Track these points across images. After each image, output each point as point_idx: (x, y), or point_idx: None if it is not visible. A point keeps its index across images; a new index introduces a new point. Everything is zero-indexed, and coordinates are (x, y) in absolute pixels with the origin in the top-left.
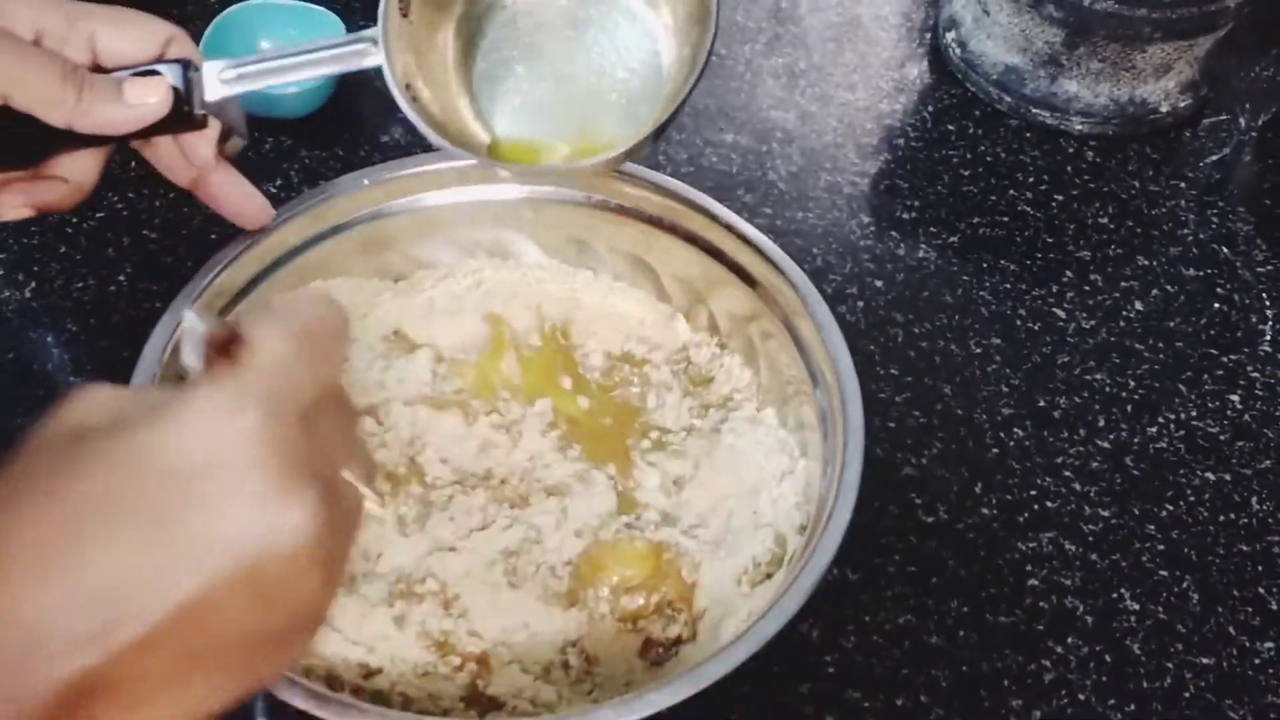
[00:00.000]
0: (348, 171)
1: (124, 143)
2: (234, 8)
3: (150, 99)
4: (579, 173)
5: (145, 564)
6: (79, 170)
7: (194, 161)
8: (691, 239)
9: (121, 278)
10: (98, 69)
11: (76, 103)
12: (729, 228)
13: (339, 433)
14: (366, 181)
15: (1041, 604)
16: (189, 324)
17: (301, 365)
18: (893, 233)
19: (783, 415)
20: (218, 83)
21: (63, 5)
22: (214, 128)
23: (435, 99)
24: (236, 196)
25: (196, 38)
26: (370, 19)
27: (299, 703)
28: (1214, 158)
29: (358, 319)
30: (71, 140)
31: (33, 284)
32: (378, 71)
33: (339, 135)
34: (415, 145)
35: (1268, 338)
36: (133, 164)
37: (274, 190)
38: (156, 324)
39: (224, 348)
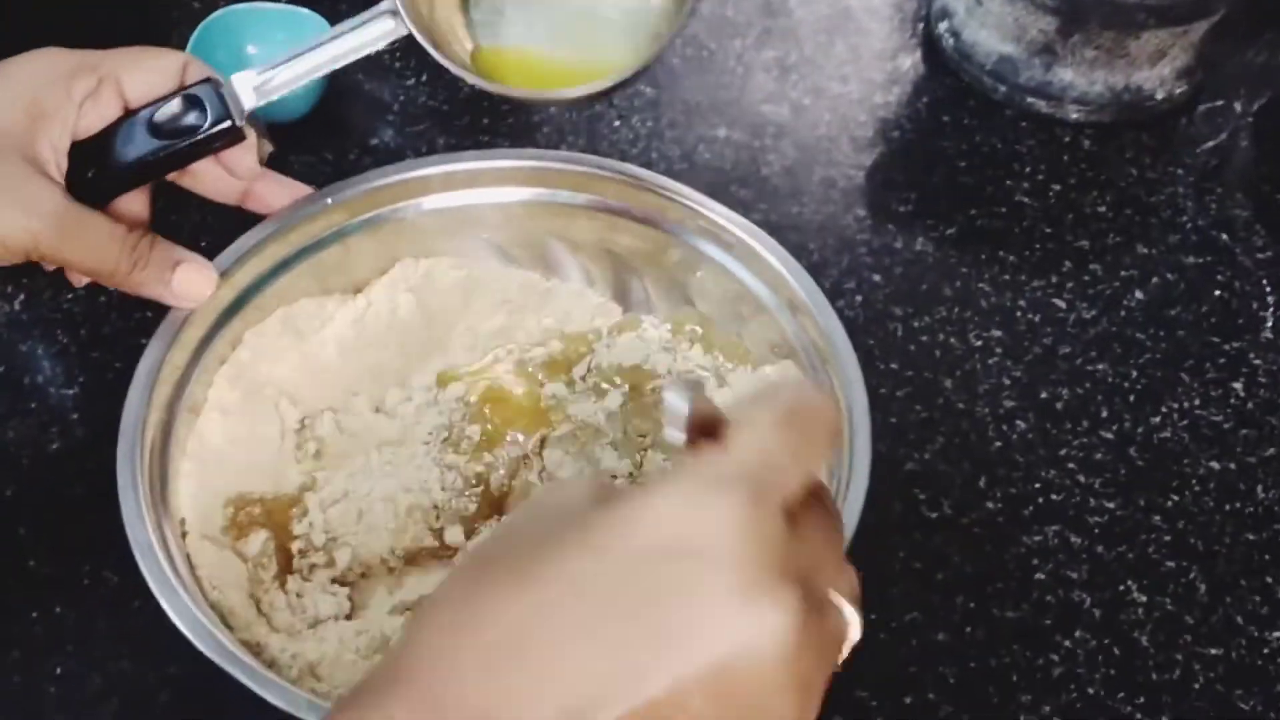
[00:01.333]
0: (337, 176)
1: (160, 178)
2: (218, 13)
3: (194, 290)
4: (585, 98)
5: (617, 657)
6: (134, 210)
7: (241, 174)
8: (679, 237)
9: (112, 289)
10: (129, 112)
11: (127, 276)
12: (720, 224)
13: (824, 541)
14: (329, 201)
15: (1048, 598)
16: (672, 399)
17: (789, 455)
18: (889, 226)
19: None
20: (252, 92)
21: (87, 64)
22: (252, 136)
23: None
24: (288, 195)
25: (181, 44)
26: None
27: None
28: (1211, 144)
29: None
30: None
31: (22, 296)
32: (369, 71)
33: (328, 140)
34: (405, 148)
35: (1269, 324)
36: None
37: None
38: (152, 335)
39: (708, 429)
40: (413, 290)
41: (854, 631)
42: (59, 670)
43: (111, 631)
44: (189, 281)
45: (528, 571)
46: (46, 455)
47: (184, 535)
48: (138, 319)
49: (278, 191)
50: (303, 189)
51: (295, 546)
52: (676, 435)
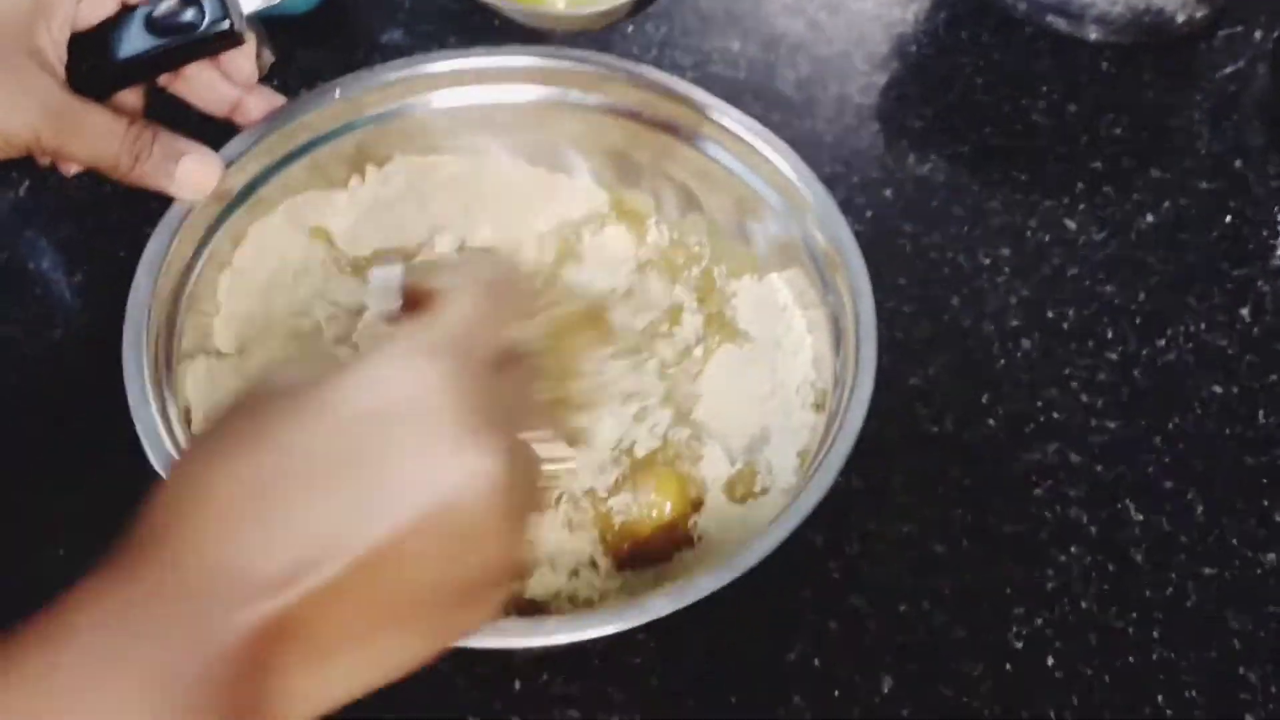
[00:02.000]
0: (346, 71)
1: (153, 81)
2: None
3: (198, 181)
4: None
5: (341, 509)
6: (128, 106)
7: (238, 80)
8: (691, 142)
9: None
10: (127, 8)
11: (130, 169)
12: (740, 136)
13: (522, 391)
14: (337, 94)
15: (1046, 514)
16: (381, 274)
17: (488, 320)
18: (902, 142)
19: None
20: None
21: None
22: (252, 41)
23: None
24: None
25: None
26: None
27: None
28: (1229, 70)
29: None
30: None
31: (26, 183)
32: None
33: (336, 36)
34: (415, 47)
35: (1279, 252)
36: None
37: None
38: (155, 224)
39: (411, 301)
40: (412, 179)
41: (568, 461)
42: (63, 554)
43: (116, 515)
44: (193, 172)
45: (258, 439)
46: (50, 343)
47: (189, 423)
48: (142, 208)
49: (267, 109)
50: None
51: None
52: (390, 307)
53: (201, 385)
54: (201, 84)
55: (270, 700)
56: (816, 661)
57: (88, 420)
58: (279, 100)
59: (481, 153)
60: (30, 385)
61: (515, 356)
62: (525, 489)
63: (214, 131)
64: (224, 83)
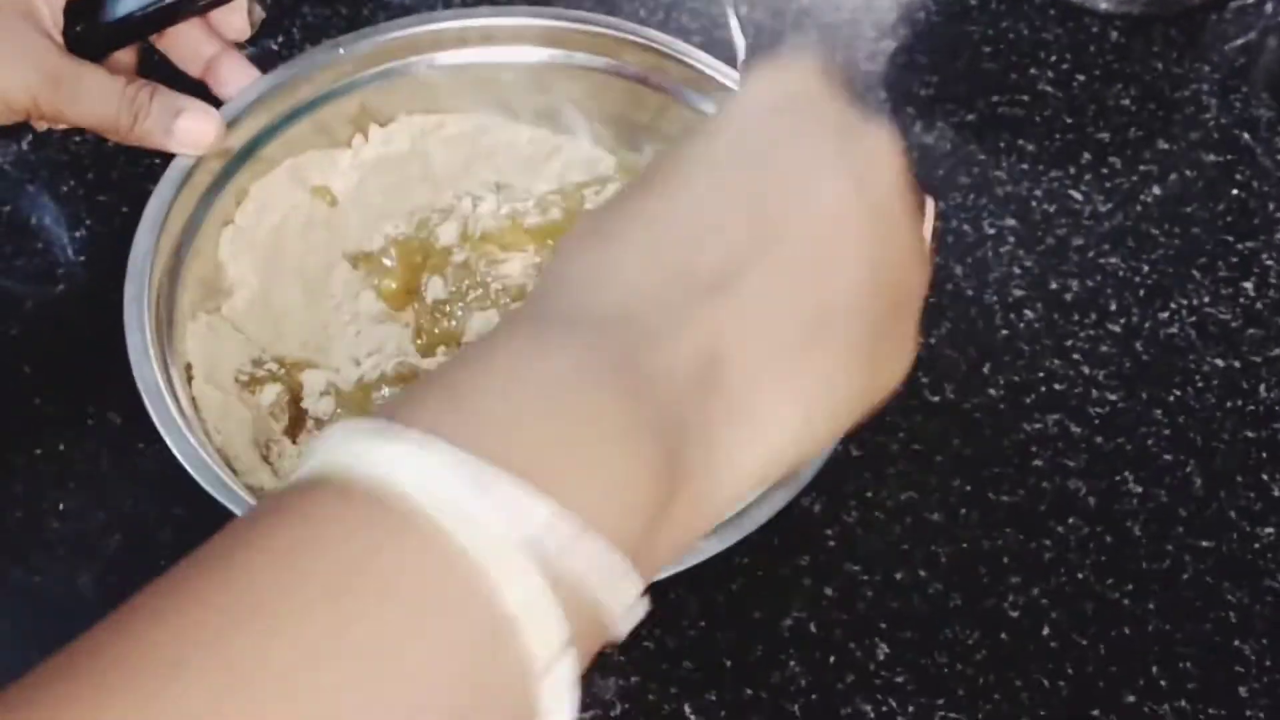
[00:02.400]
0: (351, 28)
1: (151, 34)
2: None
3: (198, 137)
4: None
5: (743, 207)
6: (122, 65)
7: (230, 35)
8: (694, 106)
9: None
10: None
11: (130, 130)
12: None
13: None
14: (341, 51)
15: (1044, 484)
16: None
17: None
18: (909, 110)
19: None
20: None
21: None
22: None
23: None
24: (245, 79)
25: None
26: None
27: None
28: (1239, 42)
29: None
30: None
31: (29, 136)
32: None
33: None
34: (420, 4)
35: None
36: None
37: (275, 47)
38: (158, 181)
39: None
40: (415, 139)
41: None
42: (62, 506)
43: (115, 470)
44: (192, 128)
45: (666, 181)
46: (52, 296)
47: (189, 380)
48: (145, 164)
49: (238, 74)
50: (256, 74)
51: (307, 405)
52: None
53: (202, 342)
54: (181, 42)
55: (710, 456)
56: (812, 627)
57: (89, 375)
58: (254, 72)
59: (484, 113)
60: (32, 339)
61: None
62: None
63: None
64: (206, 41)
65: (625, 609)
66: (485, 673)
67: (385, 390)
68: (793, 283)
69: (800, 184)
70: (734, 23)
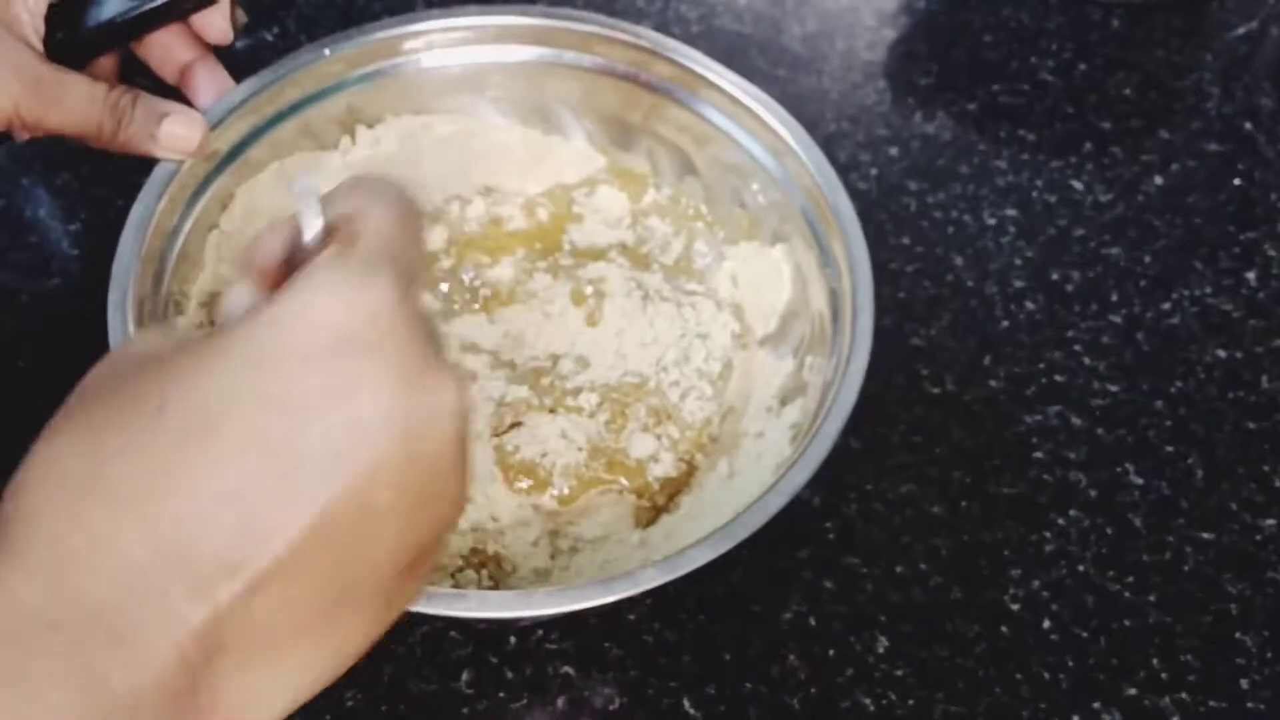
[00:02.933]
0: (347, 20)
1: (132, 41)
2: None
3: (182, 142)
4: None
5: (281, 468)
6: (103, 74)
7: (213, 38)
8: (686, 104)
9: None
10: None
11: (113, 137)
12: (736, 98)
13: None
14: (327, 52)
15: (1045, 476)
16: (303, 189)
17: (410, 241)
18: (909, 99)
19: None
20: None
21: None
22: (225, 1)
23: None
24: (216, 91)
25: None
26: None
27: None
28: (1241, 30)
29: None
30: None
31: None
32: None
33: None
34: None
35: None
36: None
37: (271, 39)
38: (151, 172)
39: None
40: (404, 140)
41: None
42: None
43: None
44: (177, 134)
45: (157, 406)
46: (46, 290)
47: None
48: (141, 157)
49: (213, 82)
50: (231, 84)
51: None
52: (313, 228)
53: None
54: (158, 47)
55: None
56: (812, 621)
57: (83, 369)
58: (228, 81)
59: (474, 113)
60: (27, 331)
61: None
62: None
63: None
64: (184, 48)
65: None
66: None
67: None
68: (314, 565)
69: (345, 448)
70: (301, 194)
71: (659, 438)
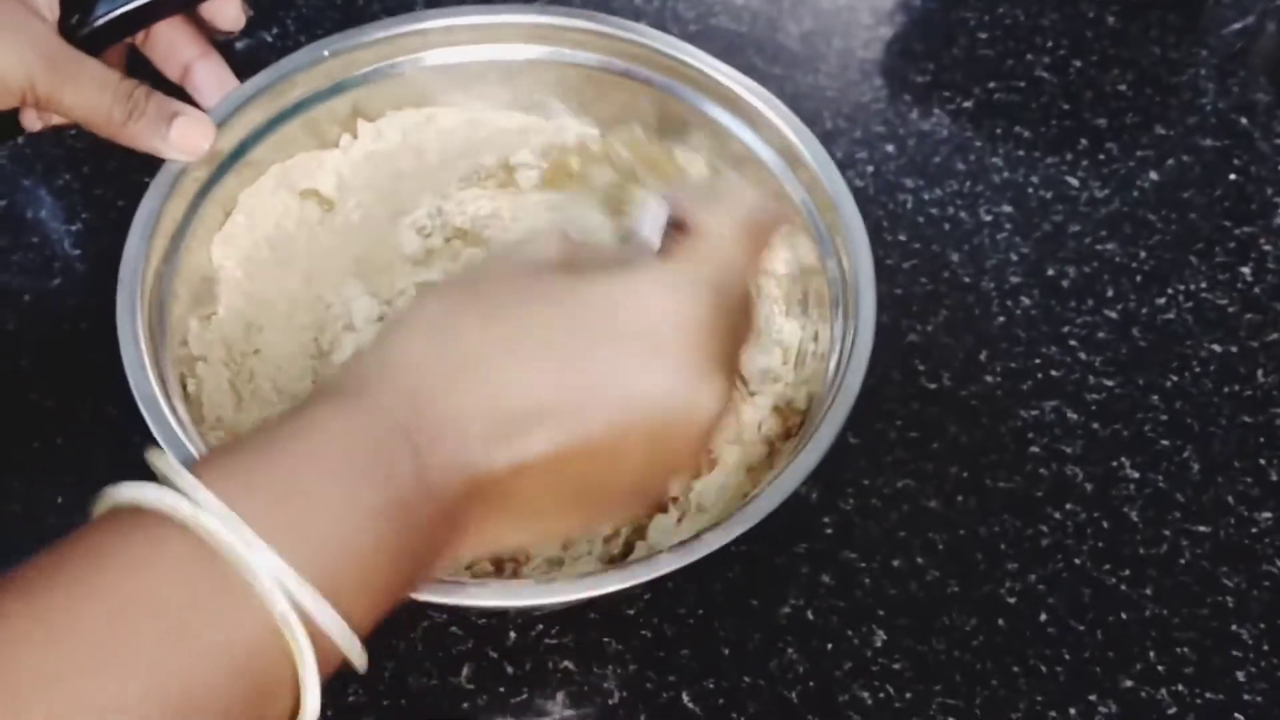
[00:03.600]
0: (346, 20)
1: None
2: None
3: (192, 143)
4: None
5: (580, 392)
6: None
7: (222, 25)
8: (687, 101)
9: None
10: None
11: (123, 126)
12: (736, 93)
13: (741, 333)
14: (326, 53)
15: (1041, 471)
16: (653, 205)
17: (743, 260)
18: (905, 97)
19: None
20: None
21: None
22: None
23: None
24: (218, 90)
25: None
26: None
27: None
28: (1237, 26)
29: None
30: None
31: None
32: None
33: None
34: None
35: None
36: None
37: (270, 39)
38: (154, 174)
39: (676, 226)
40: (407, 133)
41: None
42: (60, 500)
43: (112, 464)
44: (187, 134)
45: (498, 310)
46: (48, 290)
47: (184, 386)
48: (141, 158)
49: (216, 80)
50: (234, 83)
51: None
52: (653, 234)
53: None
54: (163, 44)
55: (456, 539)
56: (810, 615)
57: (85, 369)
58: (232, 80)
59: (475, 106)
60: (29, 331)
61: (751, 299)
62: (721, 428)
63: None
64: (188, 44)
65: (348, 648)
66: (257, 664)
67: None
68: (570, 463)
69: (620, 400)
70: (646, 213)
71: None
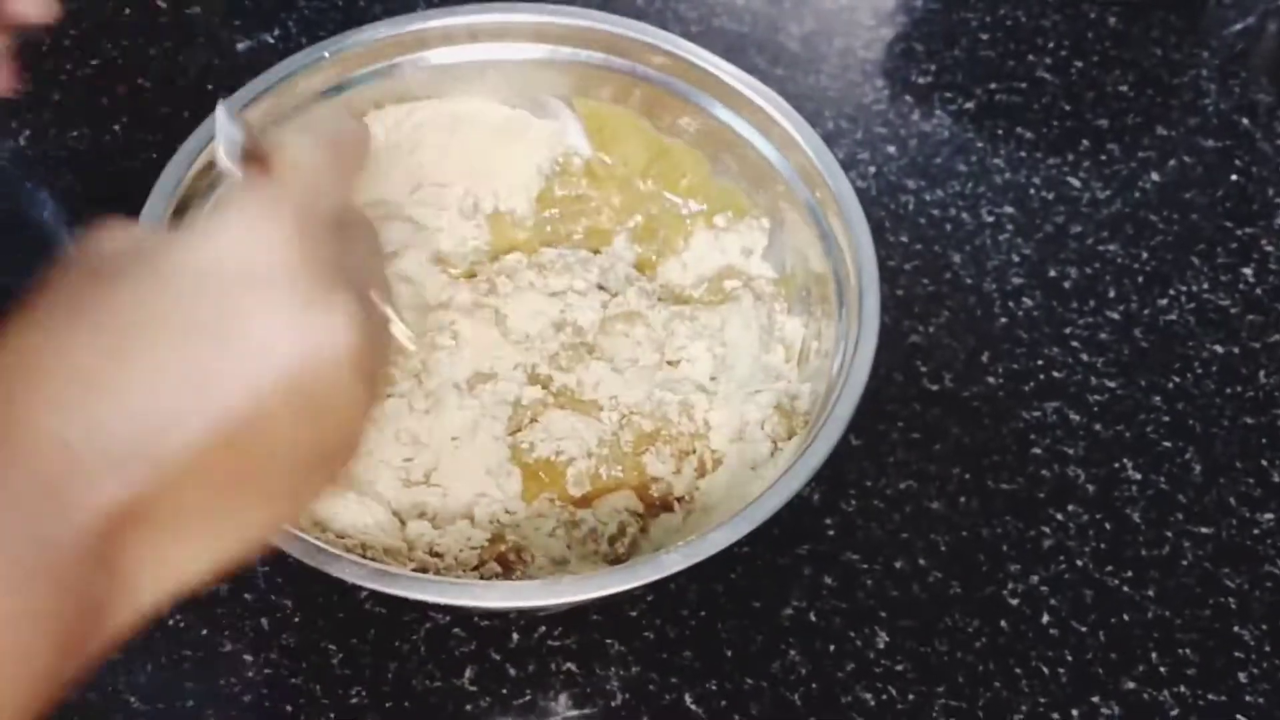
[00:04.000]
0: (348, 23)
1: None
2: None
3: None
4: None
5: (189, 378)
6: None
7: (32, 16)
8: (689, 99)
9: (117, 127)
10: None
11: None
12: (739, 92)
13: (364, 251)
14: (328, 55)
15: (1043, 472)
16: (223, 125)
17: (331, 175)
18: (907, 98)
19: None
20: None
21: None
22: None
23: None
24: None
25: None
26: None
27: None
28: (1238, 27)
29: None
30: None
31: (27, 132)
32: None
33: None
34: (418, 2)
35: None
36: (127, 9)
37: (272, 41)
38: (155, 176)
39: (252, 157)
40: (391, 129)
41: (402, 339)
42: None
43: None
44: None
45: (93, 307)
46: None
47: None
48: (142, 159)
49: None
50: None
51: None
52: (230, 164)
53: None
54: None
55: (120, 584)
56: (812, 616)
57: None
58: (14, 83)
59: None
60: None
61: (357, 216)
62: (376, 350)
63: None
64: None
65: None
66: None
67: None
68: (219, 458)
69: (237, 366)
70: (220, 116)
71: (678, 470)
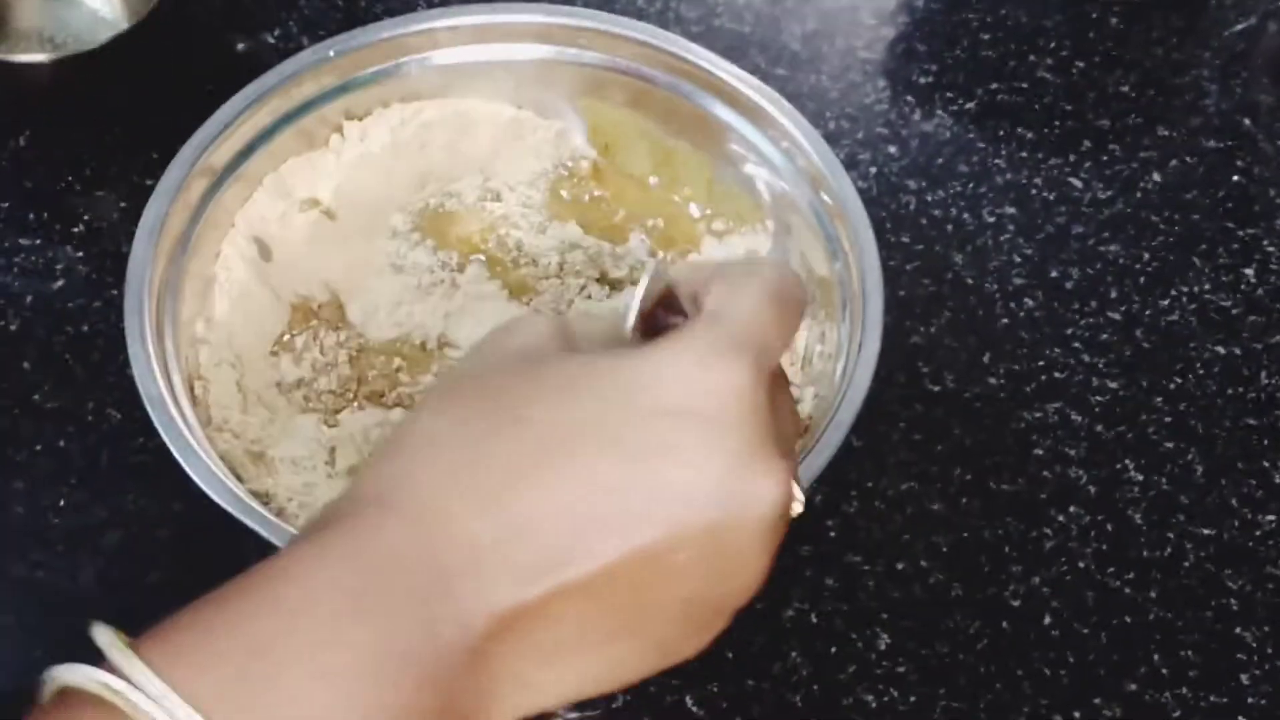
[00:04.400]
0: (349, 23)
1: None
2: None
3: None
4: None
5: (609, 502)
6: None
7: None
8: (693, 100)
9: (117, 128)
10: None
11: None
12: (739, 90)
13: (789, 416)
14: (331, 54)
15: (1045, 473)
16: (652, 270)
17: (775, 327)
18: (908, 98)
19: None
20: None
21: None
22: None
23: None
24: None
25: None
26: None
27: None
28: (1239, 27)
29: None
30: None
31: (27, 132)
32: None
33: None
34: (419, 2)
35: None
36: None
37: (272, 40)
38: (156, 176)
39: (666, 301)
40: (394, 130)
41: (798, 506)
42: (63, 502)
43: (115, 466)
44: None
45: (517, 407)
46: (50, 292)
47: (191, 390)
48: (143, 159)
49: None
50: None
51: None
52: (637, 300)
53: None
54: None
55: (485, 695)
56: (813, 618)
57: (88, 371)
58: None
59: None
60: (31, 332)
61: (786, 379)
62: (787, 521)
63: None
64: None
65: None
66: None
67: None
68: (613, 592)
69: (661, 505)
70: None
71: None
